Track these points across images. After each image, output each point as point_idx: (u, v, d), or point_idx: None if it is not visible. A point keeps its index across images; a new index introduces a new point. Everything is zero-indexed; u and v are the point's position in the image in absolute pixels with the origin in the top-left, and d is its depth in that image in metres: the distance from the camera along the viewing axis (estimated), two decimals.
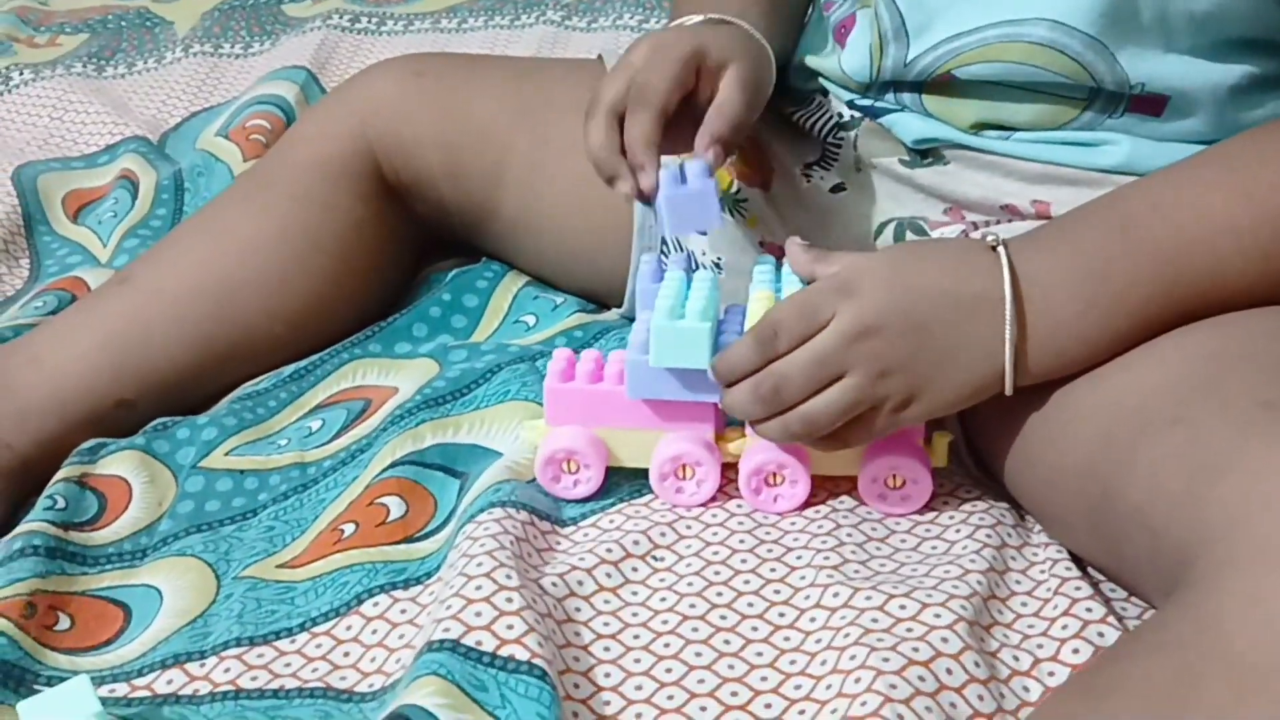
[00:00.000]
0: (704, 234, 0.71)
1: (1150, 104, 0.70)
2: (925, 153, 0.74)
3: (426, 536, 0.72)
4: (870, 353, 0.62)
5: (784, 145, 0.81)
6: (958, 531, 0.69)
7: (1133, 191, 0.65)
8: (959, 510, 0.70)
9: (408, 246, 0.95)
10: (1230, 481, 0.51)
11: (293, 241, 0.88)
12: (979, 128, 0.73)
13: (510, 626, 0.60)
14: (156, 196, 1.12)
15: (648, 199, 0.69)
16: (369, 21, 1.43)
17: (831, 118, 0.78)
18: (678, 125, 0.70)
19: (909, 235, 0.76)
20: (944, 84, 0.73)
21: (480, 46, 1.37)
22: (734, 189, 0.84)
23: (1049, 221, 0.66)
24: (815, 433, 0.64)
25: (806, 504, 0.70)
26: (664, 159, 0.70)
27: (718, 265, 0.84)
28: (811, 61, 0.80)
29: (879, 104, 0.76)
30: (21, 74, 1.34)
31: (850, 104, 0.77)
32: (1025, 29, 0.69)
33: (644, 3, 1.42)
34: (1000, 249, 0.63)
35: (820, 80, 0.79)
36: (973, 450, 0.74)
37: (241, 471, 0.80)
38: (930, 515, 0.70)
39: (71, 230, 1.12)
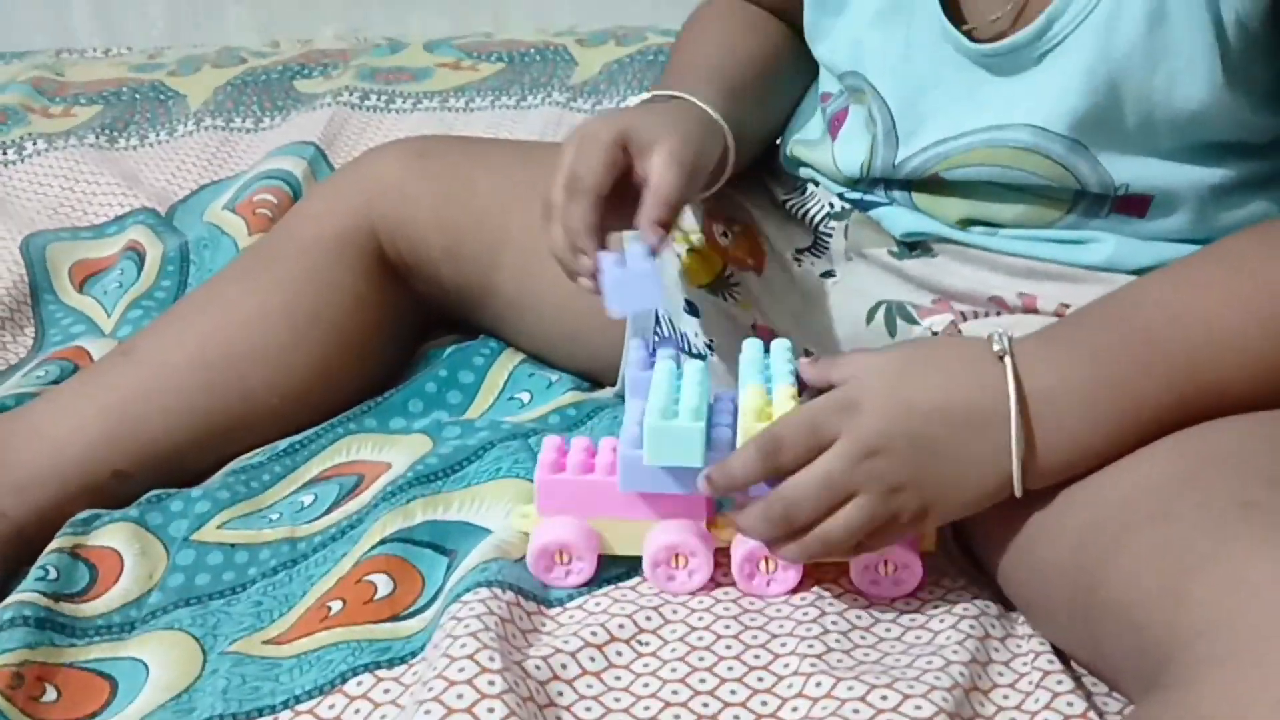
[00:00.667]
0: (650, 313, 0.74)
1: (1134, 204, 0.71)
2: (913, 245, 0.76)
3: (413, 614, 0.72)
4: (877, 472, 0.62)
5: (777, 230, 0.83)
6: (941, 621, 0.69)
7: (1148, 297, 0.65)
8: (944, 600, 0.71)
9: (407, 323, 0.96)
10: (1210, 580, 0.52)
11: (293, 316, 0.89)
12: (966, 223, 0.75)
13: (491, 710, 0.60)
14: (162, 268, 1.13)
15: (594, 283, 0.71)
16: (378, 99, 1.45)
17: (823, 207, 0.80)
18: (623, 205, 0.72)
19: (899, 320, 0.77)
20: (932, 183, 0.75)
21: (486, 126, 1.39)
22: (726, 273, 0.85)
23: (1063, 321, 0.67)
24: (836, 552, 0.65)
25: (794, 591, 0.71)
26: (618, 237, 0.72)
27: (710, 347, 0.85)
28: (803, 152, 0.82)
29: (868, 197, 0.78)
30: (35, 143, 1.36)
31: (840, 196, 0.79)
32: (1009, 134, 0.71)
33: (647, 86, 1.44)
34: (1007, 359, 0.63)
35: (811, 171, 0.81)
36: (960, 538, 0.74)
37: (233, 545, 0.80)
38: (915, 604, 0.70)
39: (77, 300, 1.13)
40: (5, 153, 1.34)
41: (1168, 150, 0.69)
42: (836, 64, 0.79)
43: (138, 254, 1.16)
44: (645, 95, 0.77)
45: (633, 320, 0.84)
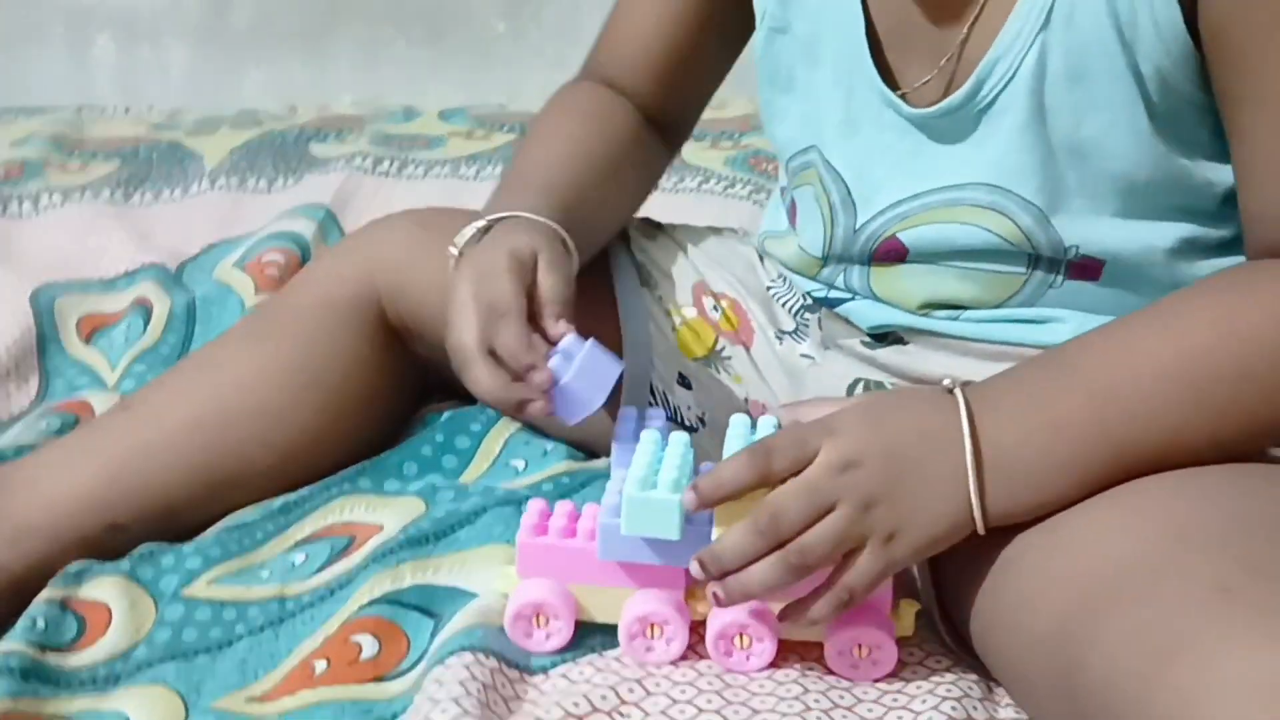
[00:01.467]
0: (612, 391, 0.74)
1: (1087, 269, 0.74)
2: (884, 336, 0.77)
3: (398, 676, 0.73)
4: (854, 483, 0.64)
5: (761, 310, 0.85)
6: (924, 702, 0.69)
7: (1071, 341, 0.69)
8: (927, 680, 0.71)
9: (405, 387, 0.97)
10: (1184, 666, 0.52)
11: (292, 378, 0.90)
12: (927, 308, 0.77)
13: None
14: (168, 324, 1.15)
15: (548, 397, 0.71)
16: (390, 165, 1.47)
17: (798, 299, 0.82)
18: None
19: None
20: (891, 257, 0.77)
21: None
22: (719, 347, 0.87)
23: (1008, 371, 0.69)
24: (810, 563, 0.65)
25: (776, 666, 0.71)
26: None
27: (702, 421, 0.86)
28: (773, 248, 0.85)
29: (833, 294, 0.81)
30: (51, 197, 1.38)
31: (808, 294, 0.81)
32: (967, 193, 0.74)
33: None
34: (957, 390, 0.66)
35: (781, 267, 0.83)
36: (946, 618, 0.74)
37: (222, 602, 0.80)
38: (898, 684, 0.70)
39: (82, 351, 1.14)
40: (21, 205, 1.37)
41: (1115, 210, 0.72)
42: (793, 142, 0.82)
43: (145, 309, 1.17)
44: (478, 223, 0.79)
45: (625, 389, 0.85)
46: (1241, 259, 0.71)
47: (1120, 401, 0.64)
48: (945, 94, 0.74)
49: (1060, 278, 0.74)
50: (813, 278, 0.83)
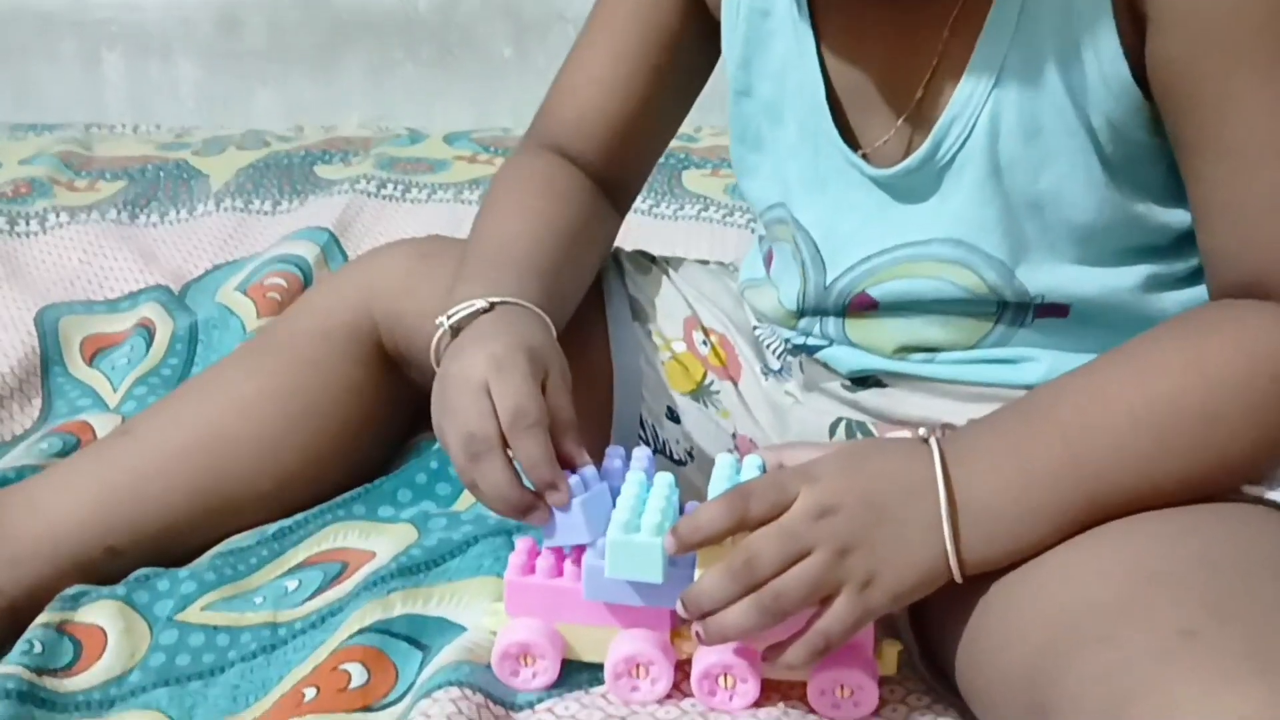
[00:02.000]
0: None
1: (1055, 309, 0.75)
2: (864, 379, 0.79)
3: (385, 707, 0.73)
4: (831, 530, 0.64)
5: (750, 348, 0.87)
6: None
7: (1043, 387, 0.69)
8: (907, 718, 0.71)
9: (401, 413, 0.98)
10: (1144, 710, 0.53)
11: (288, 402, 0.91)
12: (902, 351, 0.78)
13: None
14: (170, 346, 1.16)
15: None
16: (394, 189, 1.49)
17: (780, 343, 0.83)
18: None
19: (859, 435, 0.81)
20: (863, 308, 0.79)
21: None
22: (708, 381, 0.88)
23: (984, 418, 0.70)
24: (785, 607, 0.65)
25: (759, 705, 0.71)
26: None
27: (690, 455, 0.87)
28: (751, 297, 0.86)
29: (810, 340, 0.82)
30: (58, 216, 1.40)
31: (787, 341, 0.83)
32: (932, 248, 0.75)
33: (655, 188, 1.48)
34: (932, 440, 0.67)
35: (760, 314, 0.85)
36: (927, 654, 0.75)
37: (215, 627, 0.81)
38: None
39: (85, 373, 1.16)
40: (28, 224, 1.38)
41: (1076, 257, 0.74)
42: (763, 198, 0.83)
43: (148, 331, 1.18)
44: (479, 303, 0.75)
45: (616, 424, 0.86)
46: (1204, 288, 0.72)
47: (1094, 447, 0.65)
48: (906, 153, 0.75)
49: (1029, 317, 0.76)
50: (791, 327, 0.84)
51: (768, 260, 0.86)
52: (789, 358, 0.84)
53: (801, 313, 0.82)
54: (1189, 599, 0.58)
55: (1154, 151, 0.71)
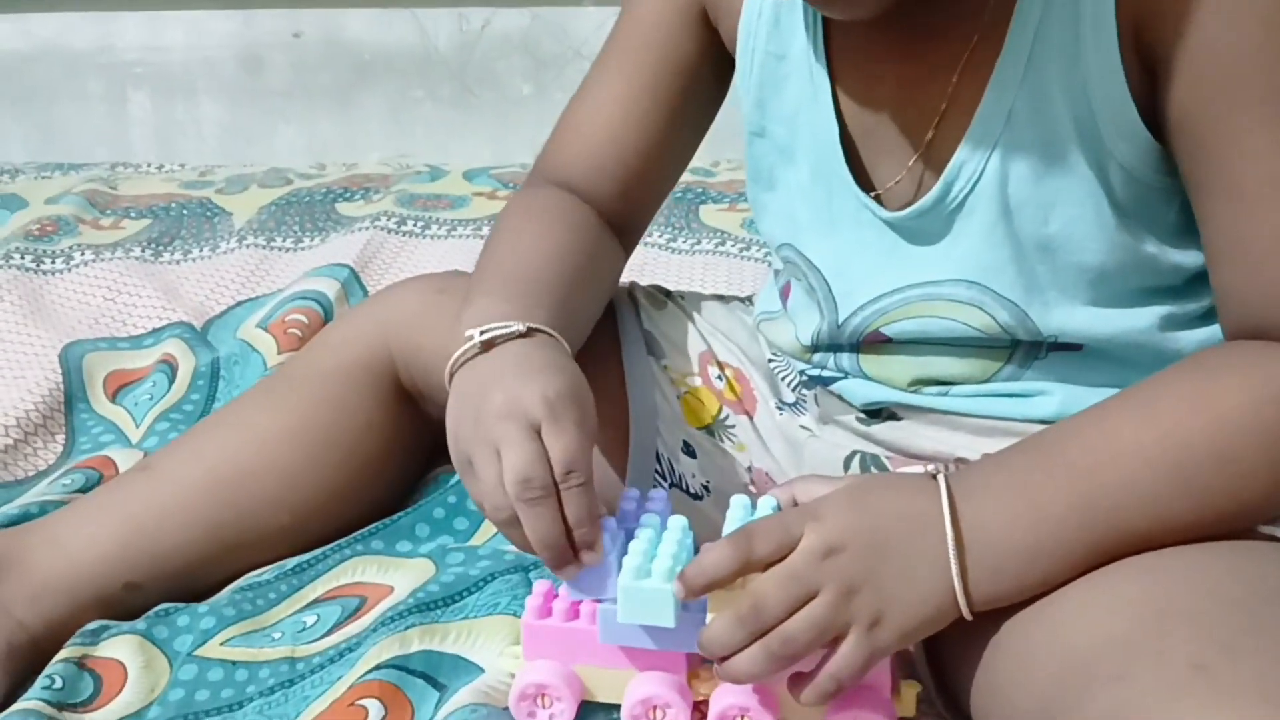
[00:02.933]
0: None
1: (1068, 346, 0.75)
2: (879, 411, 0.79)
3: None
4: (837, 571, 0.64)
5: (765, 382, 0.87)
6: None
7: (1054, 426, 0.69)
8: None
9: (418, 448, 0.99)
10: None
11: (307, 438, 0.92)
12: (917, 385, 0.79)
13: None
14: (193, 382, 1.17)
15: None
16: (415, 225, 1.50)
17: (796, 375, 0.83)
18: None
19: (873, 469, 0.81)
20: (877, 344, 0.79)
21: None
22: (723, 415, 0.88)
23: (993, 456, 0.70)
24: (794, 652, 0.65)
25: None
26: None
27: (706, 489, 0.88)
28: (767, 329, 0.87)
29: (825, 373, 0.82)
30: (83, 254, 1.41)
31: (801, 373, 0.83)
32: (945, 289, 0.76)
33: (672, 222, 1.48)
34: (940, 477, 0.67)
35: (776, 347, 0.85)
36: (943, 692, 0.75)
37: (234, 662, 0.82)
38: None
39: (109, 409, 1.17)
40: (54, 262, 1.40)
41: (1088, 299, 0.74)
42: (775, 236, 0.83)
43: (170, 367, 1.19)
44: (520, 326, 0.72)
45: (633, 462, 0.86)
46: (1217, 328, 0.72)
47: (1103, 486, 0.65)
48: (916, 194, 0.75)
49: (1043, 352, 0.76)
50: (806, 361, 0.84)
51: (784, 294, 0.86)
52: (804, 390, 0.84)
53: (816, 347, 0.83)
54: (1201, 634, 0.57)
55: (1166, 192, 0.72)
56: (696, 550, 0.71)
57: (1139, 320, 0.74)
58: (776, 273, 0.88)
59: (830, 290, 0.79)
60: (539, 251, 0.82)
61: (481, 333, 0.73)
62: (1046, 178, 0.71)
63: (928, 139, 0.74)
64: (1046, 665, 0.63)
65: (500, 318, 0.73)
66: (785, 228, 0.82)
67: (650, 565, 0.68)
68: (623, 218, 0.90)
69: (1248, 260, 0.67)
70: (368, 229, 1.47)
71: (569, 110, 0.91)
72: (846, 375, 0.81)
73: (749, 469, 0.87)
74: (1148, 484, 0.64)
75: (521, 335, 0.73)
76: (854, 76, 0.77)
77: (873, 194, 0.77)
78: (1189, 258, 0.73)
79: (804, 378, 0.84)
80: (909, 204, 0.76)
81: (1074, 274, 0.73)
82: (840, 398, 0.82)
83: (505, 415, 0.69)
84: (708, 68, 0.86)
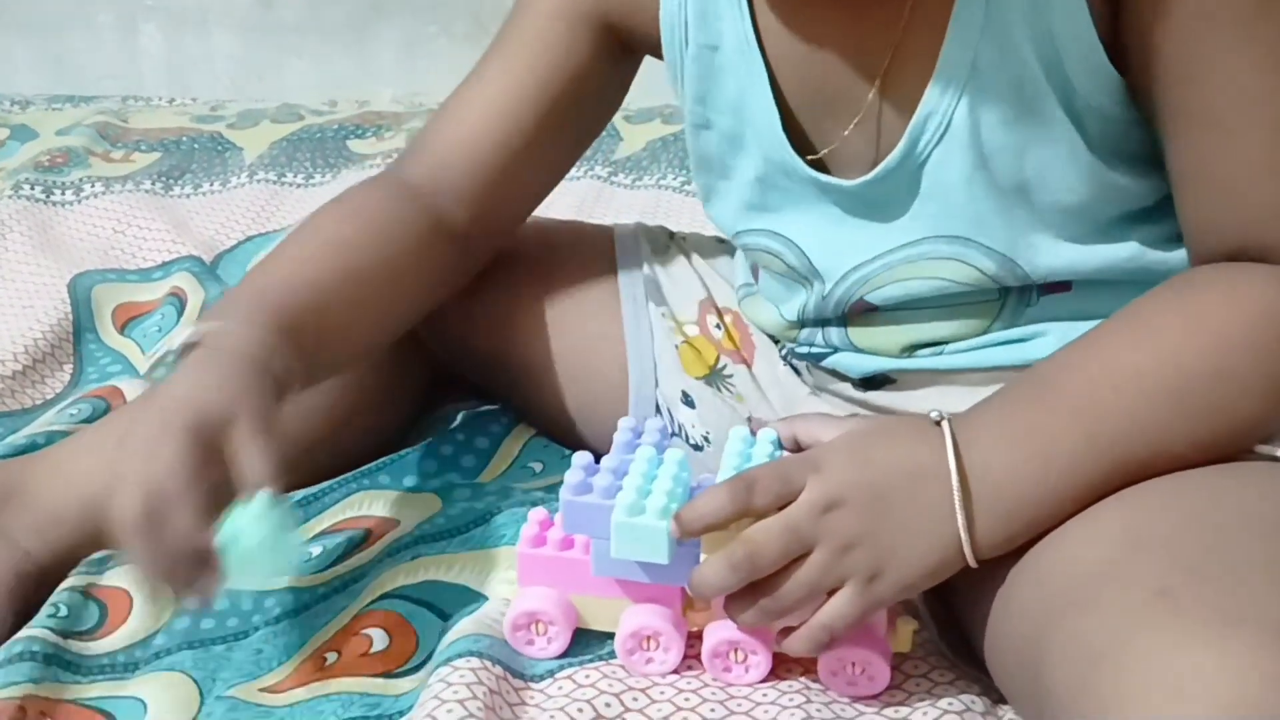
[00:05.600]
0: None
1: (1059, 285, 0.75)
2: (873, 378, 0.78)
3: (406, 674, 0.74)
4: (835, 525, 0.64)
5: (760, 338, 0.86)
6: (925, 714, 0.69)
7: (1048, 360, 0.68)
8: (929, 694, 0.71)
9: (420, 379, 0.98)
10: (1115, 669, 0.53)
11: None
12: (910, 349, 0.77)
13: None
14: (201, 316, 1.16)
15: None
16: None
17: (788, 349, 0.83)
18: None
19: None
20: (864, 314, 0.78)
21: None
22: (720, 365, 0.87)
23: (991, 398, 0.69)
24: (787, 607, 0.65)
25: (779, 677, 0.71)
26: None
27: (706, 439, 0.87)
28: (748, 309, 0.86)
29: (814, 350, 0.81)
30: (93, 186, 1.41)
31: (792, 353, 0.82)
32: (925, 247, 0.74)
33: (686, 164, 1.47)
34: (944, 424, 0.66)
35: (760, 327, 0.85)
36: (949, 630, 0.74)
37: (240, 591, 0.82)
38: (900, 696, 0.71)
39: (117, 341, 1.17)
40: (64, 194, 1.39)
41: (1070, 235, 0.73)
42: (732, 224, 0.81)
43: (179, 300, 1.19)
44: (183, 336, 0.70)
45: (634, 401, 0.86)
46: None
47: (1105, 417, 0.64)
48: (878, 158, 0.73)
49: (1034, 296, 0.75)
50: (792, 340, 0.83)
51: (754, 271, 0.85)
52: (796, 360, 0.83)
53: (803, 323, 0.81)
54: (1169, 559, 0.57)
55: (1133, 124, 0.71)
56: (691, 491, 0.70)
57: (1121, 250, 0.73)
58: (742, 249, 0.86)
59: (812, 263, 0.78)
60: (305, 255, 0.78)
61: (173, 352, 0.70)
62: (1017, 122, 0.70)
63: (877, 101, 0.72)
64: (1030, 599, 0.63)
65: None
66: (744, 213, 0.80)
67: (645, 502, 0.67)
68: (479, 224, 0.85)
69: (1226, 187, 0.66)
70: (379, 166, 1.46)
71: (442, 106, 0.87)
72: (836, 350, 0.80)
73: (749, 420, 0.86)
74: (1148, 410, 0.63)
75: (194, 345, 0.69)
76: (788, 54, 0.75)
77: (815, 158, 0.75)
78: (1160, 182, 0.72)
79: (794, 352, 0.83)
80: (870, 169, 0.74)
81: (1053, 213, 0.72)
82: (833, 372, 0.81)
83: (130, 440, 0.66)
84: (600, 78, 0.83)
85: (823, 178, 0.75)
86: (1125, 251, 0.73)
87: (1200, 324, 0.64)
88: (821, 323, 0.80)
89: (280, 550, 0.64)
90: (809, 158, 0.75)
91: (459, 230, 0.85)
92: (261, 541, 0.63)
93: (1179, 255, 0.73)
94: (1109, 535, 0.61)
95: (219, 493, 0.65)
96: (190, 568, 0.63)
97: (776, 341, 0.88)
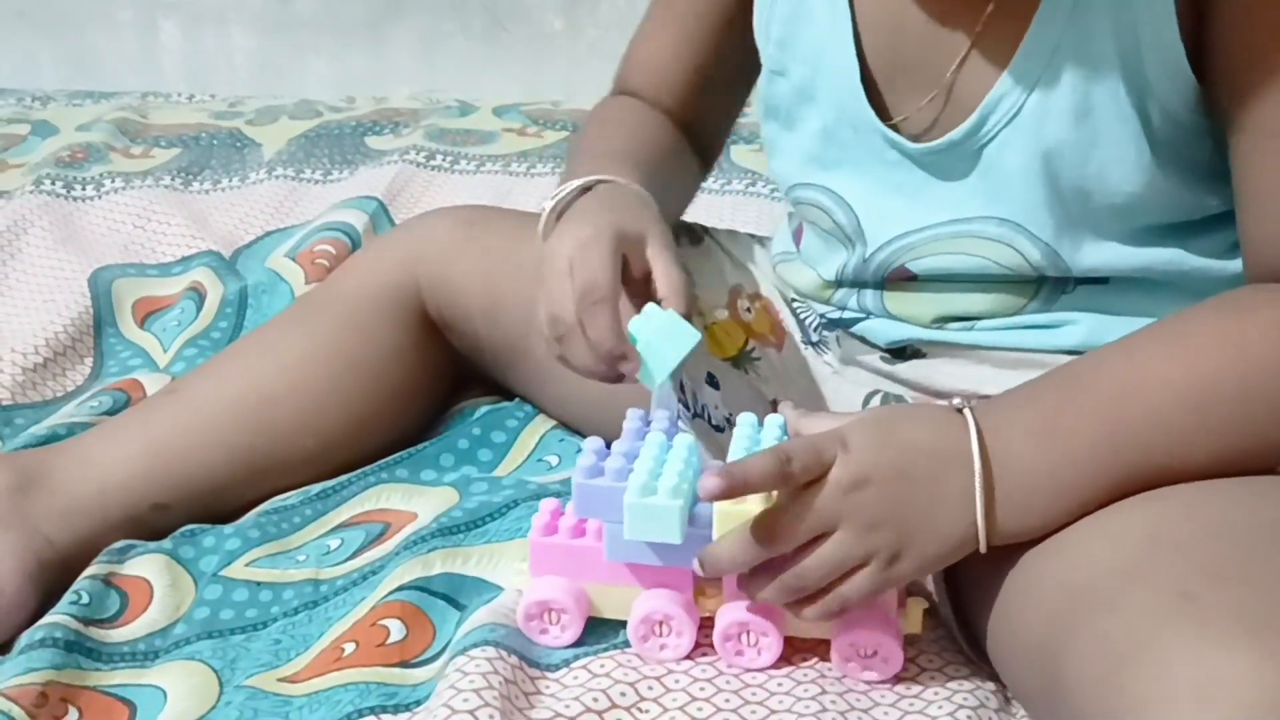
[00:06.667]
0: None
1: (1094, 280, 0.75)
2: (902, 349, 0.78)
3: (422, 664, 0.74)
4: (860, 505, 0.64)
5: (789, 317, 0.86)
6: (939, 708, 0.69)
7: (1080, 359, 0.69)
8: (944, 688, 0.71)
9: (443, 378, 0.99)
10: (1139, 671, 0.53)
11: (332, 362, 0.92)
12: (941, 321, 0.78)
13: None
14: (220, 310, 1.17)
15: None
16: (443, 160, 1.49)
17: (816, 317, 0.83)
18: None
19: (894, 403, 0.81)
20: (902, 281, 0.78)
21: (545, 192, 1.42)
22: (749, 348, 0.88)
23: (1020, 389, 0.69)
24: (808, 586, 0.66)
25: (794, 665, 0.71)
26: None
27: (729, 421, 0.88)
28: (784, 273, 0.86)
29: (847, 315, 0.82)
30: (113, 181, 1.42)
31: (823, 316, 0.82)
32: (974, 226, 0.75)
33: (719, 166, 1.47)
34: (967, 411, 0.66)
35: (794, 291, 0.85)
36: (965, 625, 0.75)
37: (258, 583, 0.83)
38: (915, 690, 0.71)
39: (137, 334, 1.18)
40: (84, 189, 1.40)
41: (1118, 235, 0.74)
42: (790, 176, 0.83)
43: (199, 294, 1.20)
44: (577, 182, 0.78)
45: (656, 393, 0.86)
46: (1239, 262, 0.71)
47: (1130, 421, 0.64)
48: (943, 129, 0.74)
49: (1071, 285, 0.76)
50: (826, 301, 0.84)
51: (796, 236, 0.86)
52: (825, 332, 0.84)
53: (840, 283, 0.82)
54: (1192, 563, 0.57)
55: (1200, 132, 0.71)
56: (700, 474, 0.70)
57: (1164, 254, 0.74)
58: (790, 215, 0.87)
59: (859, 225, 0.79)
60: (621, 135, 0.86)
61: (553, 200, 0.78)
62: (1088, 118, 0.70)
63: (955, 73, 0.73)
64: (1048, 600, 0.63)
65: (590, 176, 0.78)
66: (803, 167, 0.82)
67: (656, 483, 0.68)
68: (692, 135, 0.92)
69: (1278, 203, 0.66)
70: (396, 163, 1.47)
71: (635, 34, 0.94)
72: (869, 315, 0.81)
73: (773, 402, 0.86)
74: (1173, 419, 0.64)
75: (586, 190, 0.77)
76: (876, 11, 0.76)
77: (892, 124, 0.76)
78: (1215, 197, 0.72)
79: (824, 320, 0.84)
80: (937, 138, 0.75)
81: (1106, 213, 0.73)
82: (863, 339, 0.81)
83: (547, 265, 0.73)
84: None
85: (890, 133, 0.76)
86: (1168, 255, 0.74)
87: (1238, 344, 0.64)
88: (858, 284, 0.81)
89: (680, 339, 0.72)
90: (893, 128, 0.76)
91: (687, 135, 0.92)
92: (668, 334, 0.72)
93: (1220, 266, 0.74)
94: (1132, 537, 0.61)
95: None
96: (611, 358, 0.72)
97: (803, 323, 0.88)
